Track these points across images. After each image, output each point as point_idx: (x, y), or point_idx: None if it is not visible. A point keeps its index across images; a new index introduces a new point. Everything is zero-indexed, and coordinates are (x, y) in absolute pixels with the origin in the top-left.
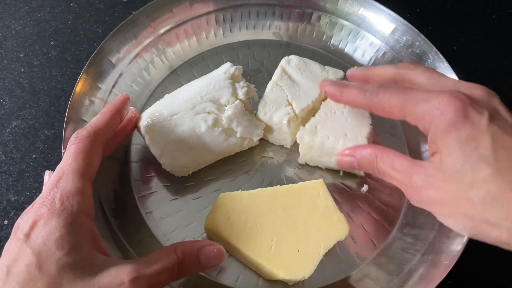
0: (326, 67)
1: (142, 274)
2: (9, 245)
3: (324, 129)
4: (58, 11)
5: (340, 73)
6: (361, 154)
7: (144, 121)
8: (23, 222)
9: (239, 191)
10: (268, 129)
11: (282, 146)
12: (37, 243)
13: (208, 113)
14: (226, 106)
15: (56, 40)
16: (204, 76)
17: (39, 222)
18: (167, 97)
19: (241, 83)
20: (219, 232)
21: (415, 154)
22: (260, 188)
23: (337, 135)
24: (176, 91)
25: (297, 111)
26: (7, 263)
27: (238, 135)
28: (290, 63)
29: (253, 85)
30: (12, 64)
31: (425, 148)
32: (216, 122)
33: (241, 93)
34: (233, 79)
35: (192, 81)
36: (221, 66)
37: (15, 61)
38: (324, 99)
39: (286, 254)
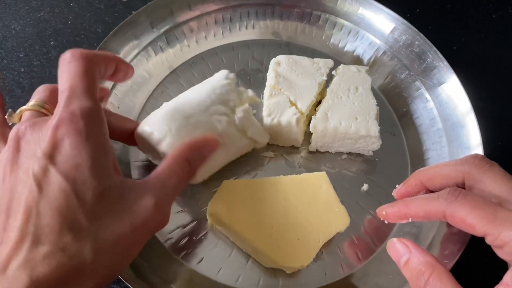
0: (315, 59)
1: (164, 195)
2: (23, 159)
3: (334, 115)
4: (58, 11)
5: (330, 62)
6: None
7: (155, 126)
8: (39, 138)
9: (243, 178)
10: (277, 133)
11: (281, 146)
12: (68, 168)
13: (220, 114)
14: (233, 109)
15: (56, 40)
16: (202, 83)
17: (63, 142)
18: (165, 105)
19: (242, 88)
20: (221, 218)
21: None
22: (263, 177)
23: (348, 119)
24: (177, 97)
25: (303, 110)
26: (35, 180)
27: (248, 134)
28: (280, 64)
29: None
30: (12, 64)
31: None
32: (229, 123)
33: (245, 96)
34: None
35: (192, 88)
36: (218, 73)
37: (15, 61)
38: (325, 87)
39: (285, 241)
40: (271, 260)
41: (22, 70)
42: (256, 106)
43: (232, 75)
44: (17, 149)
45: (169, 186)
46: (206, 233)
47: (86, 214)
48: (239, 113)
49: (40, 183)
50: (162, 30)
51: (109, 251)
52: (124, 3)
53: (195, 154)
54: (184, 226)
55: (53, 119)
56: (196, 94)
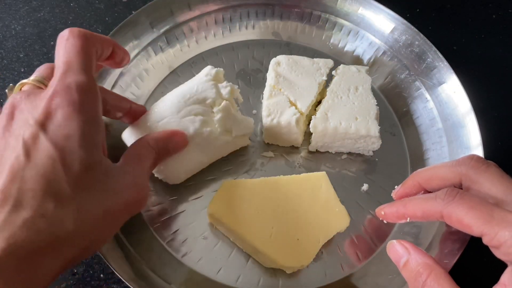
0: (315, 59)
1: (140, 177)
2: (15, 126)
3: (334, 115)
4: (58, 11)
5: (330, 62)
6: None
7: (129, 130)
8: (32, 107)
9: (242, 179)
10: (277, 134)
11: (281, 146)
12: (58, 136)
13: (195, 115)
14: (212, 107)
15: (56, 40)
16: (186, 82)
17: (56, 112)
18: (152, 106)
19: (224, 84)
20: (221, 218)
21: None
22: (263, 177)
23: (348, 119)
24: (160, 100)
25: (303, 110)
26: (24, 145)
27: (234, 134)
28: (280, 64)
29: (237, 86)
30: (12, 64)
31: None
32: (204, 123)
33: (225, 92)
34: (216, 80)
35: (174, 89)
36: (202, 70)
37: (15, 61)
38: (325, 87)
39: (285, 241)
40: (271, 260)
41: (22, 70)
42: (256, 107)
43: (213, 71)
44: (11, 116)
45: (143, 168)
46: (206, 233)
47: (71, 184)
48: (217, 114)
49: (29, 148)
50: (162, 30)
51: (91, 224)
52: (124, 3)
53: (159, 145)
54: (184, 226)
55: (48, 90)
56: (175, 95)
